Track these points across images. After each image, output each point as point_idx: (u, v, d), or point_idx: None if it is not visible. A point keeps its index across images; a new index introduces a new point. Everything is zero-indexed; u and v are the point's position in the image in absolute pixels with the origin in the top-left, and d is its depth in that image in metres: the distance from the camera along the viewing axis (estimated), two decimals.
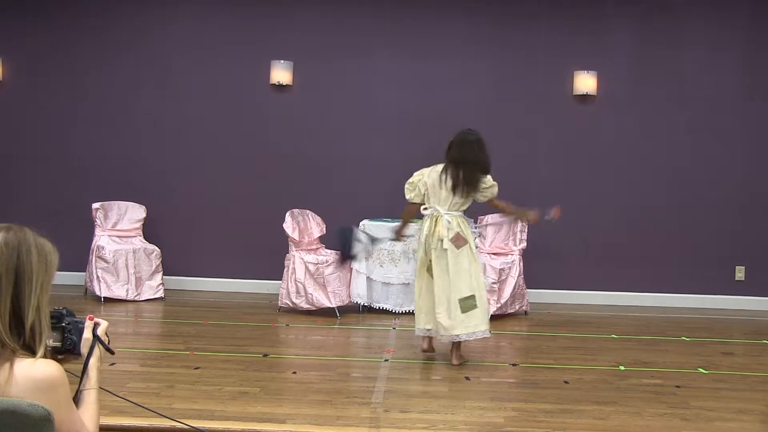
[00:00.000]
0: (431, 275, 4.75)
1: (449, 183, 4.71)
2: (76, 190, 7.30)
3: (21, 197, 7.31)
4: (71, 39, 7.35)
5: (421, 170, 4.87)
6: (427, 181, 4.78)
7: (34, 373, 1.60)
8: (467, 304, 4.68)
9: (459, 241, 4.69)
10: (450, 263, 4.66)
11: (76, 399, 1.80)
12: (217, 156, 7.34)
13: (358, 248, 4.79)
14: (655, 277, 7.19)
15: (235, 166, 7.32)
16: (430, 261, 4.74)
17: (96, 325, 1.88)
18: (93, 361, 1.84)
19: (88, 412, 1.79)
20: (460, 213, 4.79)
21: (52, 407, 1.61)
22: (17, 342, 1.64)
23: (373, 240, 5.09)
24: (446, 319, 4.66)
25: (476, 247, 5.42)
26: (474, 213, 6.84)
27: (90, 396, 1.82)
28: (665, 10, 7.17)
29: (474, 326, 4.70)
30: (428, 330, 4.83)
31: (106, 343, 1.89)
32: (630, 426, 3.62)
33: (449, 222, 4.68)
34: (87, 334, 1.86)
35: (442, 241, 4.65)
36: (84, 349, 1.85)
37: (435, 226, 4.69)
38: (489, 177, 4.79)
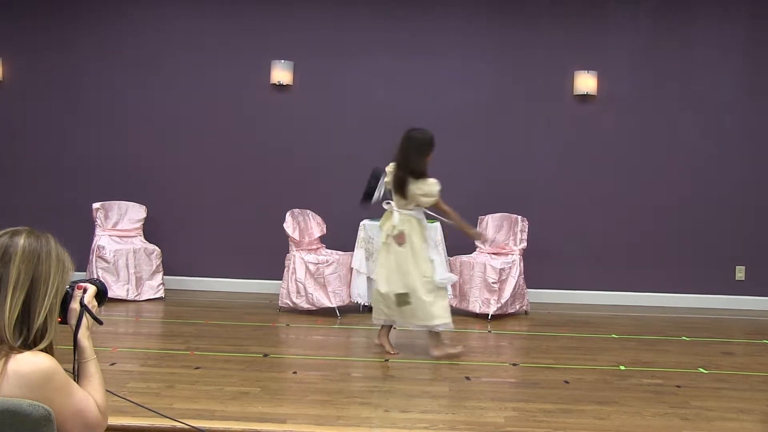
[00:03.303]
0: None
1: (392, 182, 4.88)
2: (76, 190, 7.30)
3: (21, 197, 7.32)
4: (71, 39, 7.36)
5: None
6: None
7: (22, 369, 1.61)
8: (401, 299, 4.83)
9: (400, 239, 4.81)
10: (391, 258, 4.85)
11: (77, 374, 1.80)
12: (217, 156, 7.34)
13: (378, 192, 4.99)
14: (656, 277, 7.19)
15: (236, 166, 7.32)
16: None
17: (83, 293, 1.85)
18: (83, 332, 1.82)
19: (92, 384, 1.79)
20: (412, 211, 4.85)
21: (50, 397, 1.61)
22: (17, 340, 1.64)
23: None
24: (385, 307, 4.90)
25: (438, 246, 5.66)
26: (477, 215, 6.87)
27: (90, 367, 1.81)
28: (666, 10, 7.18)
29: (407, 319, 4.88)
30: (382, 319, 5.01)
31: (94, 311, 1.85)
32: (630, 426, 3.62)
33: (396, 219, 4.82)
34: (74, 304, 1.83)
35: (388, 236, 4.84)
36: (72, 320, 1.83)
37: (386, 221, 4.90)
38: (425, 183, 4.76)
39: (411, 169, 4.74)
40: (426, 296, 4.79)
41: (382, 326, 5.06)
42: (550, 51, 7.21)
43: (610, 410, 3.85)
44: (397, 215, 4.81)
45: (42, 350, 1.67)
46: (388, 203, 4.92)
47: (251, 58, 7.29)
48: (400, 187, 4.78)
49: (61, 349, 1.78)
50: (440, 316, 4.81)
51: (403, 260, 4.80)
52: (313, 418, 3.61)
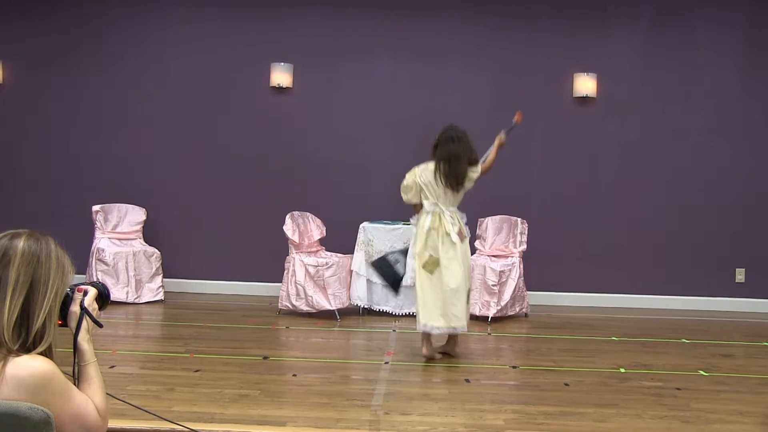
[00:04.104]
0: (429, 272, 4.81)
1: (444, 180, 4.83)
2: (76, 192, 7.30)
3: (21, 199, 7.32)
4: (71, 41, 7.36)
5: (412, 170, 4.96)
6: (421, 180, 4.89)
7: (20, 372, 1.60)
8: (468, 297, 4.94)
9: (461, 235, 4.86)
10: (459, 256, 4.81)
11: (77, 377, 1.79)
12: (217, 158, 7.34)
13: (399, 268, 5.15)
14: (655, 280, 7.19)
15: (236, 169, 7.32)
16: (430, 256, 4.80)
17: (84, 295, 1.85)
18: (83, 335, 1.82)
19: (92, 387, 1.79)
20: (456, 208, 4.93)
21: (48, 400, 1.61)
22: (16, 343, 1.64)
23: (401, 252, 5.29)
24: (459, 310, 4.80)
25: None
26: (477, 217, 6.87)
27: (90, 370, 1.81)
28: (665, 12, 7.18)
29: (466, 318, 4.92)
30: (434, 326, 4.81)
31: (95, 314, 1.85)
32: (630, 428, 3.62)
33: (452, 217, 4.83)
34: (74, 307, 1.82)
35: (449, 235, 4.78)
36: (72, 322, 1.83)
37: (440, 221, 4.81)
38: (477, 165, 4.96)
39: (472, 160, 4.89)
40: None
41: (425, 334, 4.87)
42: (549, 53, 7.21)
43: (610, 413, 3.85)
44: (450, 213, 4.86)
45: (41, 353, 1.66)
46: (427, 204, 4.87)
47: (251, 60, 7.29)
48: (460, 181, 4.84)
49: (61, 352, 1.78)
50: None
51: (466, 256, 4.90)
52: (313, 420, 3.61)
